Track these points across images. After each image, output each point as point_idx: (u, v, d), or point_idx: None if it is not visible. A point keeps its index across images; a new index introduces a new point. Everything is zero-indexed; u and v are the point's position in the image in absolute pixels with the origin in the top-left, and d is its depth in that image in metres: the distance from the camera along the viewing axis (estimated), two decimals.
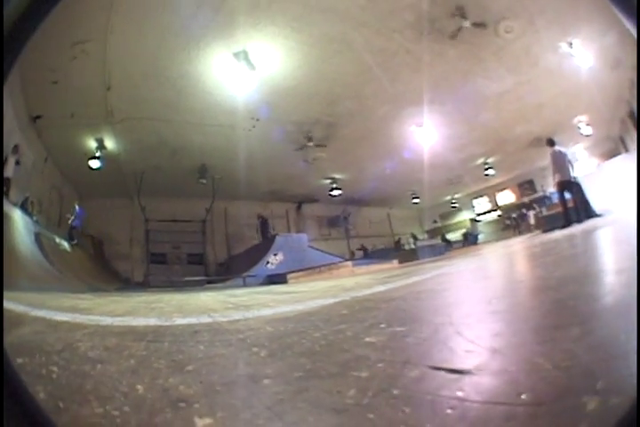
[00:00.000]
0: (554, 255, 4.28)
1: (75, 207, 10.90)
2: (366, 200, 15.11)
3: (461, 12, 9.65)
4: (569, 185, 9.77)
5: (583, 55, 10.70)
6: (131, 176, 11.36)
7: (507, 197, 15.73)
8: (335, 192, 14.17)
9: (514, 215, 15.03)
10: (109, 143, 10.89)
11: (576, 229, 8.14)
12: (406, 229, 16.42)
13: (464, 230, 16.73)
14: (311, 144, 12.39)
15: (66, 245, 10.14)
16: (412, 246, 15.33)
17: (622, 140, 11.62)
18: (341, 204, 14.90)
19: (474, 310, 2.28)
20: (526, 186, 15.03)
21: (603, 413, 0.82)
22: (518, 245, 8.94)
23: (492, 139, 13.54)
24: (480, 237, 16.16)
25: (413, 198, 15.88)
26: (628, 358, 0.98)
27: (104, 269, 11.24)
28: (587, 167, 12.13)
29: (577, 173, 10.06)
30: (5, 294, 3.57)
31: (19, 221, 7.76)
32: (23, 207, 8.47)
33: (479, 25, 9.91)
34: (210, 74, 10.02)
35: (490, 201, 16.40)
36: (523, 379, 1.05)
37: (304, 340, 1.99)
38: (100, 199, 11.59)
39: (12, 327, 2.41)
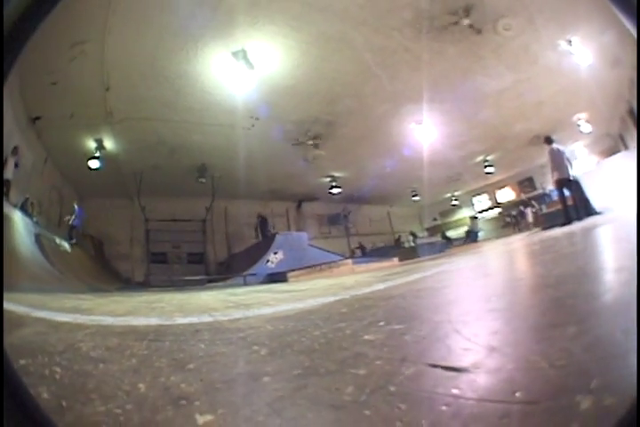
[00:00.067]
0: (553, 253, 4.29)
1: (74, 207, 10.91)
2: (366, 198, 15.10)
3: (460, 11, 9.65)
4: (568, 183, 9.78)
5: (582, 53, 10.69)
6: (130, 176, 11.36)
7: (506, 195, 15.75)
8: (335, 190, 14.16)
9: (514, 213, 15.04)
10: (109, 143, 10.88)
11: (576, 226, 8.14)
12: (406, 226, 16.43)
13: (464, 228, 16.75)
14: (311, 143, 12.39)
15: (66, 245, 10.14)
16: (412, 244, 15.37)
17: (622, 138, 11.61)
18: (341, 202, 14.89)
19: (472, 307, 2.30)
20: (526, 183, 15.04)
21: (596, 412, 0.83)
22: (518, 243, 8.95)
23: (492, 136, 13.55)
24: (480, 234, 16.16)
25: (413, 196, 15.88)
26: (624, 357, 0.99)
27: (104, 269, 11.25)
28: (586, 165, 12.13)
29: (576, 170, 10.07)
30: (7, 295, 3.59)
31: (19, 222, 7.76)
32: (23, 208, 8.47)
33: (478, 23, 9.91)
34: (208, 73, 10.01)
35: (490, 199, 16.41)
36: (518, 377, 1.06)
37: (304, 338, 2.00)
38: (99, 199, 11.59)
39: (14, 329, 2.43)
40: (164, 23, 8.71)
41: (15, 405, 0.92)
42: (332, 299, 3.71)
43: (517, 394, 0.97)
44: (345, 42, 9.69)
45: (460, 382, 1.10)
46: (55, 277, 7.99)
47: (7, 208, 7.44)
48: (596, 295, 1.78)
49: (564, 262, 3.19)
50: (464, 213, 17.01)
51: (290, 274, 10.51)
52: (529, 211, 14.43)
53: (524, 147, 13.21)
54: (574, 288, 1.98)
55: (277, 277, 10.48)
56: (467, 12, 9.68)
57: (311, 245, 12.74)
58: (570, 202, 9.63)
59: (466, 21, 9.82)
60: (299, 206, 14.74)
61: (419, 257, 12.47)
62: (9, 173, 8.05)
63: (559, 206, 9.99)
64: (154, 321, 3.07)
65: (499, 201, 15.99)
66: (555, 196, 11.18)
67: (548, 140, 10.61)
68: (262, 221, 13.29)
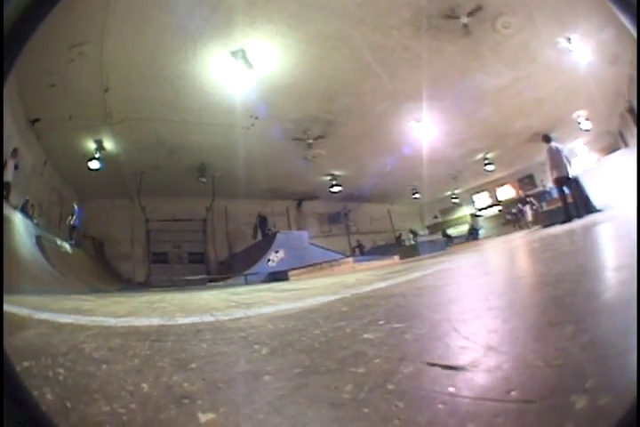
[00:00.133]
0: (553, 251, 4.29)
1: (74, 207, 10.92)
2: (367, 196, 15.10)
3: (459, 9, 9.65)
4: (567, 181, 9.78)
5: (582, 50, 10.68)
6: (130, 176, 11.38)
7: (507, 192, 15.74)
8: (335, 189, 14.17)
9: (514, 210, 15.04)
10: (108, 144, 10.90)
11: (576, 224, 8.14)
12: (407, 224, 16.43)
13: (465, 226, 16.74)
14: (310, 141, 12.40)
15: (67, 246, 10.16)
16: (413, 242, 15.38)
17: (622, 135, 11.60)
18: (342, 200, 14.89)
19: (472, 306, 2.30)
20: (526, 181, 15.03)
21: (591, 412, 0.83)
22: (518, 241, 8.95)
23: (492, 134, 13.55)
24: (481, 232, 16.17)
25: (414, 194, 15.87)
26: (621, 357, 1.00)
27: (105, 269, 11.26)
28: (586, 162, 12.12)
29: (575, 168, 10.06)
30: (9, 297, 3.62)
31: (19, 224, 7.77)
32: (23, 210, 8.48)
33: (477, 21, 9.90)
34: (207, 73, 10.02)
35: (490, 196, 16.41)
36: (515, 376, 1.07)
37: (304, 337, 2.01)
38: (100, 200, 11.61)
39: (17, 331, 2.44)
40: (162, 23, 8.72)
41: (15, 405, 0.92)
42: (332, 298, 3.71)
43: (513, 393, 0.98)
44: (343, 40, 9.70)
45: (457, 380, 1.11)
46: (56, 278, 8.01)
47: (7, 210, 7.46)
48: (595, 294, 1.78)
49: (564, 260, 3.19)
50: (464, 211, 17.00)
51: (291, 273, 10.53)
52: (528, 209, 14.42)
53: (524, 144, 13.21)
54: (573, 287, 1.98)
55: (278, 276, 10.50)
56: (465, 10, 9.68)
57: (312, 244, 12.75)
58: (570, 199, 9.64)
59: (464, 19, 9.82)
60: (299, 205, 14.75)
61: (419, 255, 12.50)
62: (9, 175, 8.07)
63: (559, 204, 10.00)
64: (156, 321, 3.07)
65: (499, 199, 15.99)
66: (555, 193, 11.18)
67: (546, 139, 10.61)
68: (262, 221, 13.30)
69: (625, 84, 9.92)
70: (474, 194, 16.80)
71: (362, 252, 14.68)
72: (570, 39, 10.54)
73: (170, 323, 2.95)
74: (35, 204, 9.12)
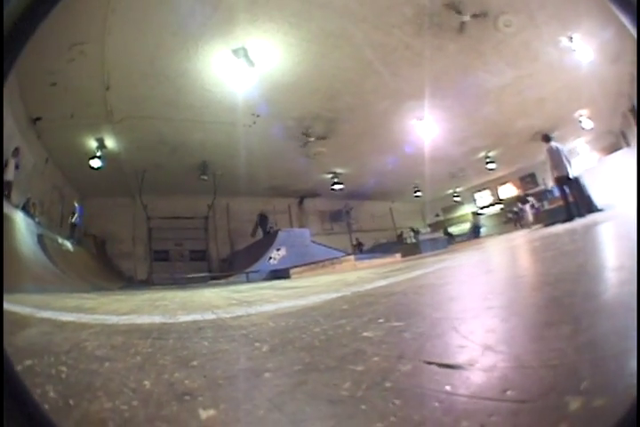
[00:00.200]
0: (553, 250, 4.28)
1: (74, 205, 10.95)
2: (368, 194, 15.10)
3: (460, 7, 9.63)
4: (567, 181, 9.77)
5: (583, 49, 10.65)
6: (132, 175, 11.40)
7: (509, 191, 15.72)
8: (337, 187, 14.17)
9: (515, 209, 15.02)
10: (110, 142, 10.91)
11: (577, 223, 8.13)
12: (409, 222, 16.43)
13: (466, 224, 16.74)
14: (312, 139, 12.40)
15: (69, 245, 10.18)
16: (415, 240, 15.37)
17: (623, 135, 11.57)
18: (343, 198, 14.89)
19: (471, 305, 2.31)
20: (528, 179, 15.00)
21: (585, 414, 0.84)
22: (519, 240, 8.95)
23: (494, 132, 13.53)
24: (482, 230, 16.16)
25: (415, 192, 15.86)
26: (617, 359, 1.00)
27: (107, 268, 11.29)
28: (588, 161, 12.10)
29: (575, 168, 10.04)
30: (11, 296, 3.65)
31: (21, 223, 7.77)
32: (25, 209, 8.49)
33: (478, 16, 9.88)
34: (209, 71, 10.01)
35: (492, 194, 16.39)
36: (510, 376, 1.08)
37: (304, 335, 2.03)
38: (101, 198, 11.64)
39: (19, 329, 2.46)
40: (163, 22, 8.72)
41: (15, 405, 0.93)
42: (333, 295, 3.74)
43: (508, 392, 0.98)
44: (345, 38, 9.68)
45: (453, 378, 1.12)
46: (58, 276, 8.02)
47: (9, 209, 7.47)
48: (593, 295, 1.77)
49: (564, 260, 3.18)
50: (466, 210, 17.00)
51: (292, 271, 10.54)
52: (527, 208, 14.40)
53: (526, 143, 13.17)
54: (572, 287, 1.98)
55: (280, 274, 10.51)
56: (467, 8, 9.66)
57: (313, 242, 12.75)
58: (571, 199, 9.63)
59: (466, 18, 9.80)
60: (301, 203, 14.76)
61: (421, 253, 12.51)
62: (10, 174, 8.08)
63: (561, 203, 9.98)
64: (157, 319, 3.09)
65: (501, 197, 15.97)
66: (556, 192, 11.16)
67: (546, 138, 10.58)
68: (262, 220, 13.31)
69: (627, 83, 9.89)
70: (475, 192, 16.78)
71: (361, 250, 14.67)
72: (571, 38, 10.51)
73: (171, 321, 2.97)
74: (36, 202, 9.13)
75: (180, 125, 11.08)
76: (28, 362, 1.67)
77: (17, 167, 8.32)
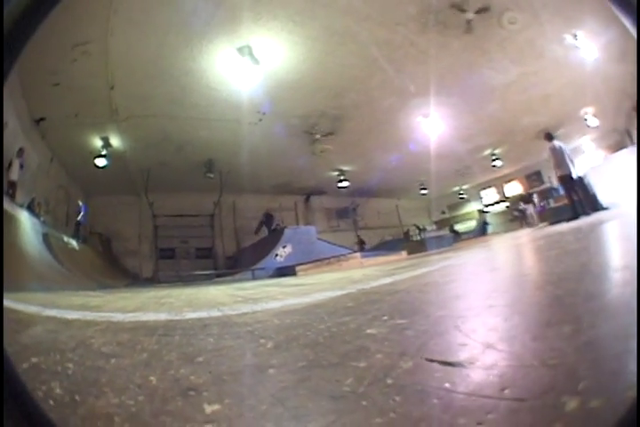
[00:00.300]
0: (558, 249, 4.26)
1: (79, 204, 11.00)
2: (374, 191, 15.08)
3: (465, 4, 9.60)
4: (571, 180, 9.72)
5: (588, 47, 10.58)
6: (137, 173, 11.44)
7: (514, 189, 15.65)
8: (343, 184, 14.16)
9: (521, 207, 14.95)
10: (115, 141, 10.95)
11: (583, 221, 8.09)
12: (415, 220, 16.39)
13: (472, 221, 16.70)
14: (318, 137, 12.39)
15: (74, 243, 10.22)
16: (421, 238, 15.35)
17: (629, 133, 11.50)
18: (349, 195, 14.87)
19: (474, 303, 2.31)
20: (534, 177, 14.92)
21: (581, 414, 0.84)
22: (524, 238, 8.93)
23: (499, 130, 13.47)
24: (488, 228, 16.11)
25: (421, 189, 15.83)
26: (616, 360, 1.01)
27: (113, 265, 11.32)
28: (594, 159, 12.03)
29: (579, 167, 9.98)
30: (17, 295, 3.68)
31: (26, 222, 7.81)
32: (30, 208, 8.54)
33: (482, 14, 9.84)
34: (214, 70, 10.02)
35: (498, 192, 16.33)
36: (509, 374, 1.09)
37: (309, 332, 2.05)
38: (107, 197, 11.68)
39: (26, 328, 2.47)
40: (167, 22, 8.72)
41: (15, 405, 0.93)
42: (338, 293, 3.74)
43: (506, 391, 0.99)
44: (349, 36, 9.66)
45: (453, 376, 1.14)
46: (64, 275, 8.06)
47: (14, 209, 7.52)
48: (595, 295, 1.76)
49: (568, 259, 3.17)
50: (472, 207, 16.95)
51: (298, 268, 10.52)
52: (530, 207, 14.34)
53: (532, 140, 13.09)
54: (575, 286, 1.98)
55: (286, 271, 10.50)
56: (471, 5, 9.62)
57: (320, 239, 12.73)
58: (576, 197, 9.58)
59: (471, 15, 9.76)
60: (307, 200, 14.75)
61: (427, 251, 12.48)
62: (14, 174, 8.14)
63: (566, 201, 9.94)
64: (163, 316, 3.11)
65: (507, 195, 15.91)
66: (562, 190, 11.10)
67: (549, 137, 10.50)
68: (268, 219, 13.32)
69: (630, 82, 9.82)
70: (481, 190, 16.74)
71: (362, 248, 14.63)
72: (576, 36, 10.44)
73: (177, 318, 2.99)
74: (41, 202, 9.19)
75: (186, 124, 11.10)
76: (35, 359, 1.70)
77: (21, 167, 8.38)
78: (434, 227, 16.56)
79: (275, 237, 12.44)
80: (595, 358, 1.07)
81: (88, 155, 10.78)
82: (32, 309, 3.29)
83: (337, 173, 14.11)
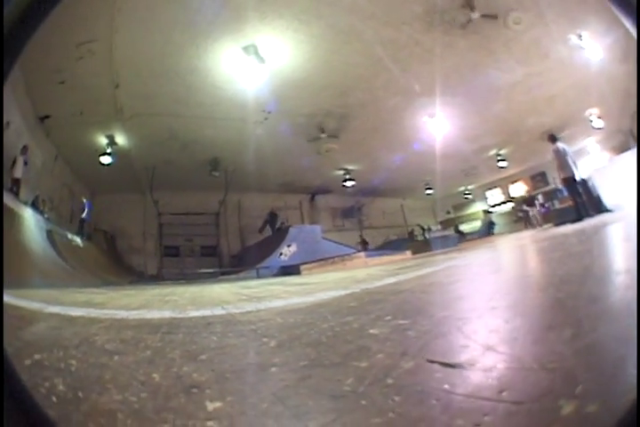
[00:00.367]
0: (561, 251, 4.23)
1: (83, 201, 11.04)
2: (380, 191, 15.06)
3: (470, 4, 9.57)
4: (573, 181, 9.69)
5: (593, 48, 10.54)
6: (142, 171, 11.47)
7: (520, 189, 15.61)
8: (348, 183, 14.15)
9: (524, 208, 14.92)
10: (120, 139, 10.98)
11: (587, 223, 8.07)
12: (420, 220, 16.37)
13: (477, 222, 16.67)
14: (323, 136, 12.39)
15: (78, 240, 10.26)
16: (425, 238, 15.34)
17: (633, 135, 11.44)
18: (355, 195, 14.86)
19: (476, 305, 2.31)
20: (539, 178, 14.88)
21: (577, 418, 0.85)
22: (529, 239, 8.89)
23: (505, 130, 13.44)
24: (493, 228, 16.08)
25: (427, 189, 15.81)
26: (613, 365, 1.01)
27: (117, 263, 11.36)
28: (599, 161, 11.99)
29: (582, 169, 9.95)
30: (20, 292, 3.71)
31: (30, 219, 7.86)
32: (34, 206, 8.59)
33: (488, 16, 9.82)
34: (219, 68, 10.02)
35: (503, 193, 16.30)
36: (508, 377, 1.10)
37: (312, 331, 2.06)
38: (111, 194, 11.71)
39: (28, 324, 2.49)
40: (172, 20, 8.73)
41: (15, 405, 0.93)
42: (342, 292, 3.75)
43: (504, 393, 1.00)
44: (355, 35, 9.64)
45: (453, 377, 1.14)
46: (68, 272, 8.09)
47: (18, 206, 7.56)
48: (597, 298, 1.76)
49: (571, 261, 3.16)
50: (477, 207, 16.92)
51: (303, 267, 10.54)
52: (532, 209, 14.30)
53: (537, 141, 13.03)
54: (577, 289, 1.98)
55: (290, 270, 10.51)
56: (476, 5, 9.59)
57: (324, 238, 12.74)
58: (580, 199, 9.56)
59: (476, 15, 9.73)
60: (312, 199, 14.75)
61: (431, 251, 12.47)
62: (18, 171, 8.19)
63: (571, 202, 9.92)
64: (167, 314, 3.12)
65: (512, 195, 15.88)
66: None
67: (552, 139, 10.49)
68: (272, 218, 13.33)
69: (634, 83, 9.77)
70: (486, 190, 16.70)
71: (365, 248, 14.60)
72: (581, 36, 10.40)
73: (181, 316, 3.00)
74: (45, 199, 9.22)
75: (191, 122, 11.12)
76: (38, 356, 1.71)
77: (25, 164, 8.42)
78: (439, 227, 16.54)
79: (279, 235, 12.46)
80: (593, 362, 1.07)
81: (93, 153, 10.82)
82: (36, 305, 3.30)
83: (342, 172, 14.10)
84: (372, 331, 1.86)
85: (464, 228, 16.75)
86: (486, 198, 16.74)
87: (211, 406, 1.17)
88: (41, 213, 8.75)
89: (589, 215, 8.93)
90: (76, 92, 9.46)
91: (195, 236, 12.36)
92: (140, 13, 8.53)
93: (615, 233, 5.30)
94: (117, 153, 10.96)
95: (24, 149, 8.55)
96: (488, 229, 16.01)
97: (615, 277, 2.14)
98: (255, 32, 9.29)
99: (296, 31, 9.42)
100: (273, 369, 1.46)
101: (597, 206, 9.21)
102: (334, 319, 2.31)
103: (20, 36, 1.07)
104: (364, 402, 1.08)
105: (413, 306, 2.63)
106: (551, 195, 13.91)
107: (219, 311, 3.16)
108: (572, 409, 0.86)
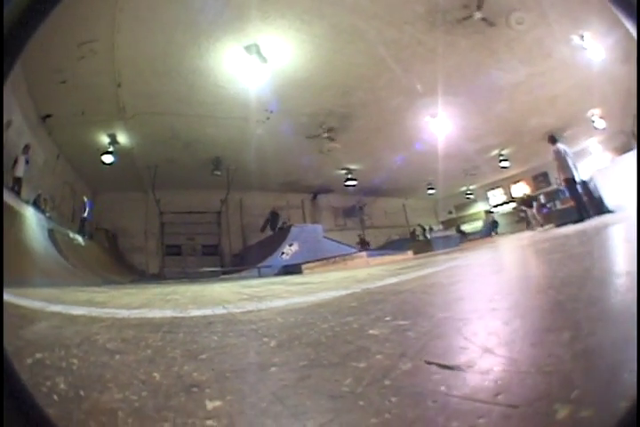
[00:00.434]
0: (562, 252, 4.22)
1: (84, 200, 11.08)
2: (382, 191, 15.10)
3: (473, 4, 9.56)
4: (574, 182, 9.69)
5: (595, 48, 10.54)
6: (144, 170, 11.52)
7: (521, 190, 15.62)
8: (350, 183, 14.19)
9: (523, 208, 14.91)
10: (122, 138, 11.03)
11: (588, 224, 8.05)
12: (422, 219, 16.41)
13: (479, 222, 16.68)
14: (325, 135, 12.40)
15: (80, 239, 10.30)
16: (427, 237, 15.35)
17: (635, 136, 11.43)
18: (357, 194, 14.90)
19: (475, 306, 2.30)
20: (540, 178, 14.89)
21: (571, 423, 0.84)
22: (530, 240, 8.87)
23: (507, 130, 13.44)
24: (494, 228, 16.08)
25: (429, 189, 15.85)
26: (610, 370, 1.00)
27: (119, 262, 11.40)
28: (601, 161, 11.98)
29: (582, 171, 9.95)
30: (21, 290, 3.72)
31: (31, 218, 7.88)
32: (36, 204, 8.62)
33: (490, 16, 9.81)
34: (221, 68, 10.05)
35: (505, 193, 16.31)
36: (504, 380, 1.09)
37: (312, 331, 2.06)
38: (113, 193, 11.78)
39: (30, 323, 2.50)
40: (173, 20, 8.75)
41: (15, 405, 0.93)
42: (343, 292, 3.75)
43: (500, 396, 1.00)
44: (357, 35, 9.65)
45: (450, 379, 1.15)
46: (69, 271, 8.12)
47: (19, 205, 7.58)
48: (597, 301, 1.74)
49: (571, 263, 3.15)
50: (479, 207, 16.95)
51: (304, 266, 10.55)
52: (530, 210, 14.28)
53: (539, 141, 13.01)
54: (577, 292, 1.96)
55: (292, 269, 10.53)
56: (479, 5, 9.58)
57: (326, 238, 12.77)
58: (582, 199, 9.56)
59: (478, 15, 9.72)
60: (314, 198, 14.79)
61: (433, 250, 12.48)
62: (20, 170, 8.23)
63: (572, 203, 9.91)
64: (168, 313, 3.13)
65: (514, 195, 15.88)
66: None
67: (552, 140, 10.49)
68: (273, 217, 13.35)
69: (636, 83, 9.75)
70: (488, 190, 16.72)
71: (363, 247, 14.59)
72: (583, 36, 10.40)
73: (182, 315, 3.02)
74: (47, 198, 9.27)
75: (193, 121, 11.14)
76: (39, 355, 1.72)
77: (27, 163, 8.45)
78: (440, 227, 16.58)
79: (281, 235, 12.49)
80: (591, 367, 1.06)
81: (95, 152, 10.87)
82: (37, 304, 3.32)
83: (344, 171, 14.13)
84: (371, 331, 1.86)
85: (466, 228, 16.77)
86: (488, 198, 16.74)
87: (210, 405, 1.18)
88: (42, 211, 8.79)
89: (591, 216, 8.93)
90: (77, 91, 9.50)
91: (196, 235, 12.40)
92: (142, 13, 8.56)
93: (616, 234, 5.29)
94: (119, 152, 11.00)
95: (26, 148, 8.59)
96: (491, 229, 16.01)
97: (615, 280, 2.13)
98: (257, 31, 9.30)
99: (298, 31, 9.43)
100: (272, 369, 1.47)
101: (599, 207, 9.21)
102: (334, 319, 2.32)
103: (20, 36, 1.07)
104: (361, 402, 1.09)
105: (414, 307, 2.62)
106: (553, 195, 13.91)
107: (220, 311, 3.17)
108: (567, 414, 0.86)
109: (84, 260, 9.45)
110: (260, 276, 10.55)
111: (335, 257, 11.38)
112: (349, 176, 14.17)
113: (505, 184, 16.13)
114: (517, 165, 15.00)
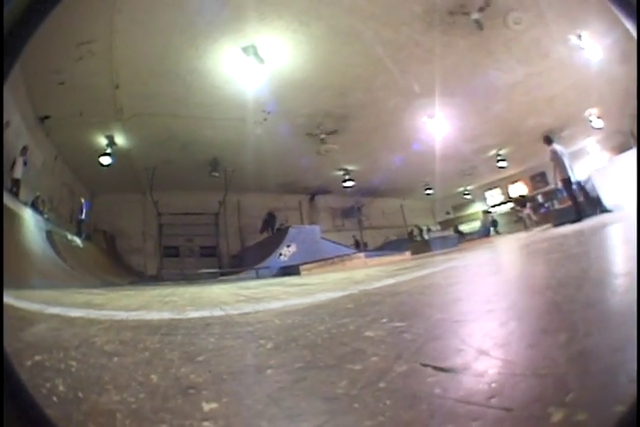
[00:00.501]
0: (559, 253, 4.21)
1: (81, 202, 11.07)
2: (379, 191, 15.10)
3: (470, 4, 9.58)
4: (570, 183, 9.72)
5: (592, 48, 10.56)
6: (142, 171, 11.51)
7: (519, 190, 15.64)
8: (348, 183, 14.18)
9: (518, 208, 14.95)
10: (120, 140, 11.02)
11: (586, 224, 8.07)
12: (419, 220, 16.41)
13: (476, 222, 16.69)
14: (323, 136, 12.40)
15: (78, 241, 10.29)
16: (425, 238, 15.36)
17: (633, 135, 11.45)
18: (354, 195, 14.89)
19: (472, 307, 2.29)
20: (538, 178, 14.91)
21: (566, 426, 0.84)
22: (528, 240, 8.88)
23: (504, 130, 13.46)
24: (492, 229, 16.10)
25: (426, 190, 15.84)
26: (605, 373, 1.00)
27: (117, 263, 11.38)
28: (598, 161, 12.00)
29: (579, 170, 9.99)
30: (19, 292, 3.72)
31: (29, 219, 7.87)
32: (34, 206, 8.61)
33: (488, 17, 9.82)
34: (219, 69, 10.04)
35: (502, 193, 16.32)
36: (499, 382, 1.09)
37: (308, 333, 2.06)
38: (111, 195, 11.76)
39: (28, 325, 2.50)
40: (171, 21, 8.75)
41: (15, 405, 0.94)
42: (340, 294, 3.75)
43: (494, 399, 1.00)
44: (354, 35, 9.65)
45: (445, 382, 1.15)
46: (67, 272, 8.11)
47: (17, 206, 7.57)
48: (594, 302, 1.73)
49: (569, 264, 3.14)
50: (477, 208, 16.95)
51: (302, 267, 10.53)
52: (526, 210, 14.32)
53: (537, 141, 13.02)
54: (574, 293, 1.95)
55: (290, 271, 10.52)
56: (476, 5, 9.59)
57: (324, 239, 12.77)
58: (579, 199, 9.58)
59: (476, 15, 9.73)
60: (312, 199, 14.78)
61: (431, 251, 12.48)
62: (18, 172, 8.21)
63: (570, 203, 9.93)
64: (166, 315, 3.13)
65: (511, 196, 15.89)
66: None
67: (548, 140, 10.52)
68: (270, 219, 13.36)
69: (635, 83, 9.77)
70: (486, 190, 16.73)
71: (358, 248, 14.57)
72: (580, 36, 10.41)
73: (180, 317, 3.02)
74: (45, 199, 9.25)
75: (191, 122, 11.14)
76: (38, 357, 1.72)
77: (25, 164, 8.44)
78: (438, 227, 16.57)
79: (279, 236, 12.48)
80: (586, 370, 1.06)
81: (93, 153, 10.86)
82: (36, 306, 3.32)
83: (342, 172, 14.12)
84: (367, 333, 1.87)
85: (464, 228, 16.78)
86: (486, 199, 16.75)
87: (207, 406, 1.19)
88: (41, 213, 8.78)
89: (588, 216, 8.95)
90: (75, 92, 9.49)
91: (194, 236, 12.39)
92: (140, 14, 8.55)
93: (614, 234, 5.30)
94: (117, 153, 10.99)
95: (24, 150, 8.57)
96: (487, 230, 16.03)
97: (613, 281, 2.13)
98: (255, 33, 9.30)
99: (295, 32, 9.44)
100: (269, 371, 1.48)
101: (597, 207, 9.23)
102: (331, 321, 2.32)
103: (20, 36, 1.08)
104: (356, 405, 1.09)
105: (410, 308, 2.62)
106: (551, 195, 13.94)
107: (217, 312, 3.17)
108: (561, 417, 0.86)
109: (83, 261, 9.45)
110: (258, 277, 10.55)
111: (333, 258, 11.38)
112: (347, 177, 14.17)
113: (503, 184, 16.14)
114: (515, 165, 15.01)
